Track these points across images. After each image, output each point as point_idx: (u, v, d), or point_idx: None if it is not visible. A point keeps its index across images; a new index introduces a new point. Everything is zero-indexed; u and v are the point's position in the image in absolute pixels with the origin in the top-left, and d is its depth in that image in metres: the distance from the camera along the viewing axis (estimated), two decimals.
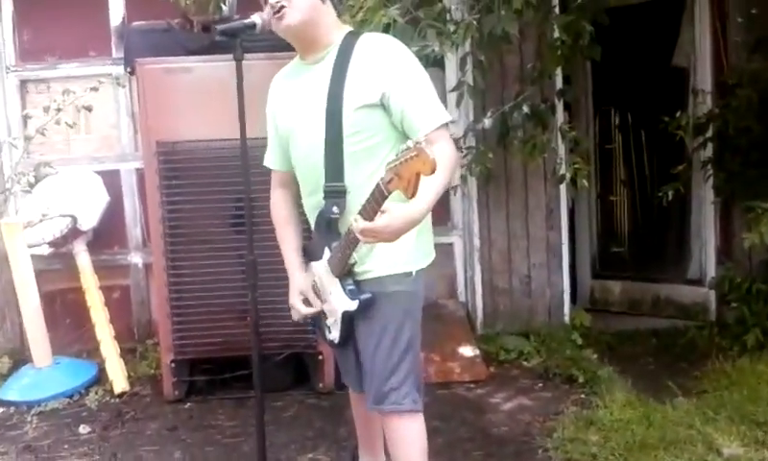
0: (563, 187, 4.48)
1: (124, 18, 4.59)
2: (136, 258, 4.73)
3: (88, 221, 4.38)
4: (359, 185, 2.18)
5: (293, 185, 2.47)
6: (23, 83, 4.65)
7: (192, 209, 3.76)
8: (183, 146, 3.75)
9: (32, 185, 4.23)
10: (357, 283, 2.26)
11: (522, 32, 4.23)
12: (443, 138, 2.18)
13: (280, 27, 2.21)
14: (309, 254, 2.41)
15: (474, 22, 3.30)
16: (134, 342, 4.64)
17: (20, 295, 4.14)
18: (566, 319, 4.64)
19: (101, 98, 4.51)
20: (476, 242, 4.59)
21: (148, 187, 3.82)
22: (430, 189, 2.05)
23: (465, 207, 4.65)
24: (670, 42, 4.96)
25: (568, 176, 4.04)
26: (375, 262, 2.24)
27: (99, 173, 4.58)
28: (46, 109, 3.93)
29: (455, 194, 4.45)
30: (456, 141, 4.12)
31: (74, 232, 4.35)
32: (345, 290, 2.25)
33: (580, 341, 4.36)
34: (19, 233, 4.08)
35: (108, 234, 4.64)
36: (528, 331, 4.51)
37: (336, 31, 2.29)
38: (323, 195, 2.25)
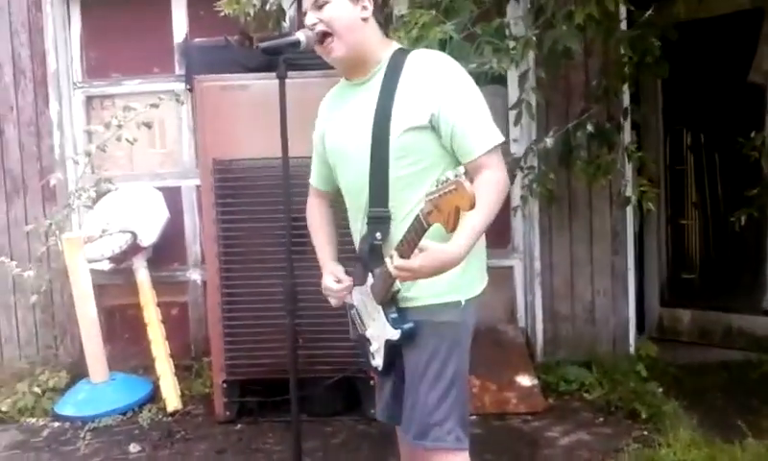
0: (629, 210, 4.29)
1: (186, 35, 4.63)
2: (195, 275, 4.74)
3: (148, 237, 4.41)
4: (404, 212, 2.10)
5: (331, 199, 2.43)
6: (89, 99, 4.75)
7: (247, 228, 3.74)
8: (240, 164, 3.74)
9: (93, 201, 4.27)
10: (401, 311, 2.16)
11: (587, 48, 4.10)
12: (493, 163, 2.09)
13: (328, 58, 2.15)
14: (353, 279, 2.33)
15: (534, 38, 3.18)
16: (191, 359, 4.63)
17: (79, 310, 4.19)
18: (631, 349, 4.43)
19: (163, 115, 4.58)
20: (537, 266, 4.44)
21: (204, 205, 3.82)
22: (470, 229, 1.96)
23: (525, 230, 4.50)
24: (746, 58, 4.72)
25: (634, 198, 3.86)
26: (421, 289, 2.13)
27: (160, 189, 4.62)
28: (107, 126, 3.97)
29: (515, 215, 4.31)
30: (516, 161, 4.02)
31: (134, 248, 4.38)
32: (387, 318, 2.16)
33: (645, 373, 4.15)
34: (80, 248, 4.13)
35: (168, 251, 4.67)
36: (590, 361, 4.31)
37: (383, 49, 2.20)
38: (366, 220, 2.17)
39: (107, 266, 4.43)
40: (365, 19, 2.18)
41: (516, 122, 3.75)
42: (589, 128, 3.94)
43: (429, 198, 1.81)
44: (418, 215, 1.89)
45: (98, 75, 4.74)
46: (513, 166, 3.78)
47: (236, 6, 3.96)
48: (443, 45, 3.06)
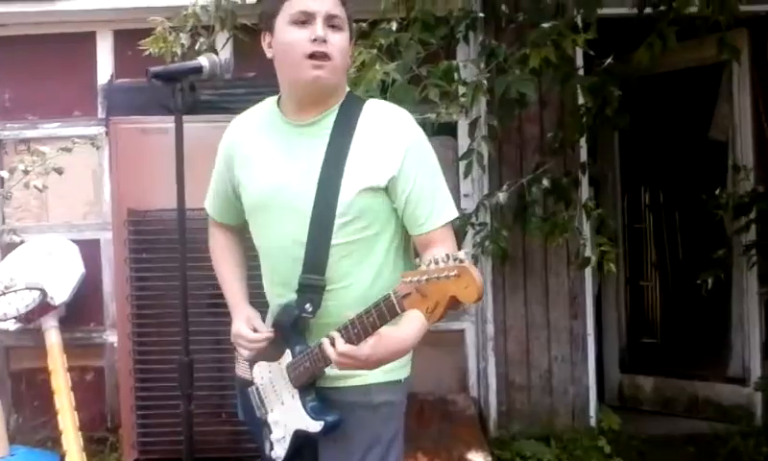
0: (588, 271, 4.00)
1: (112, 76, 4.27)
2: (113, 337, 4.27)
3: (60, 294, 3.96)
4: (341, 283, 1.81)
5: (239, 230, 2.09)
6: (1, 143, 4.32)
7: (164, 287, 3.33)
8: (157, 215, 3.35)
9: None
10: (322, 393, 1.82)
11: (542, 97, 3.85)
12: (446, 238, 1.85)
13: (312, 74, 1.80)
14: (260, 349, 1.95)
15: (485, 82, 2.89)
16: (106, 431, 4.17)
17: None
18: (593, 421, 4.10)
19: (81, 161, 4.18)
20: (490, 330, 4.09)
21: (116, 260, 3.42)
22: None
23: None
24: (706, 114, 4.53)
25: (594, 259, 3.57)
26: None
27: (77, 242, 4.19)
28: (11, 171, 3.56)
29: None
30: (467, 217, 3.71)
31: (43, 307, 3.93)
32: (305, 406, 1.81)
33: (608, 448, 3.83)
34: None
35: (83, 310, 4.22)
36: (549, 435, 4.00)
37: (342, 90, 1.91)
38: (296, 288, 1.84)
39: (12, 326, 3.97)
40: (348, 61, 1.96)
41: (467, 174, 3.44)
42: (545, 183, 3.66)
43: (411, 279, 1.53)
44: (387, 297, 1.61)
45: (12, 117, 4.32)
46: (463, 223, 3.47)
47: (162, 45, 3.65)
48: (383, 88, 2.75)
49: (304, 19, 1.79)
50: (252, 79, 3.96)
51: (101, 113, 4.25)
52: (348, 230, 1.81)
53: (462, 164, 3.48)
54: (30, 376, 4.27)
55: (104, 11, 4.12)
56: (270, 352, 1.89)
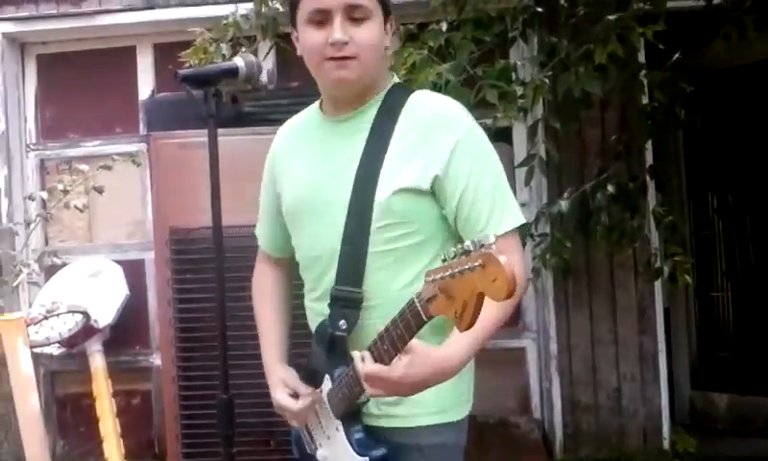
0: (657, 283, 3.72)
1: (153, 91, 4.15)
2: (159, 360, 4.14)
3: (104, 317, 3.84)
4: (381, 298, 1.57)
5: (288, 269, 1.87)
6: (43, 162, 4.24)
7: (208, 309, 3.14)
8: (200, 234, 3.17)
9: (45, 276, 3.73)
10: (370, 430, 1.60)
11: (603, 97, 3.60)
12: (512, 249, 1.56)
13: (335, 76, 1.60)
14: (306, 376, 1.75)
15: (547, 81, 2.66)
16: (153, 457, 4.05)
17: (18, 404, 3.58)
18: (666, 443, 3.81)
19: (125, 180, 4.07)
20: (553, 348, 3.84)
21: (158, 282, 3.26)
22: (484, 324, 1.39)
23: (539, 306, 3.91)
24: None
25: (666, 270, 3.29)
26: (401, 404, 1.57)
27: (121, 262, 4.08)
28: (50, 191, 3.44)
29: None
30: (526, 227, 3.48)
31: (87, 330, 3.81)
32: (350, 438, 1.59)
33: None
34: (19, 332, 3.54)
35: (128, 333, 4.11)
36: (619, 458, 3.74)
37: (383, 80, 1.68)
38: (329, 300, 1.62)
39: (56, 350, 3.87)
40: (386, 48, 1.69)
41: (527, 182, 3.20)
42: (610, 189, 3.40)
43: (434, 278, 1.28)
44: (411, 302, 1.35)
45: (54, 136, 4.25)
46: (522, 233, 3.22)
47: (203, 56, 3.51)
48: (435, 90, 2.54)
49: (321, 18, 1.57)
50: (297, 88, 3.79)
51: (142, 129, 4.15)
52: (386, 237, 1.57)
53: (520, 172, 3.25)
54: (75, 401, 4.17)
55: (143, 24, 4.02)
56: (315, 378, 1.69)
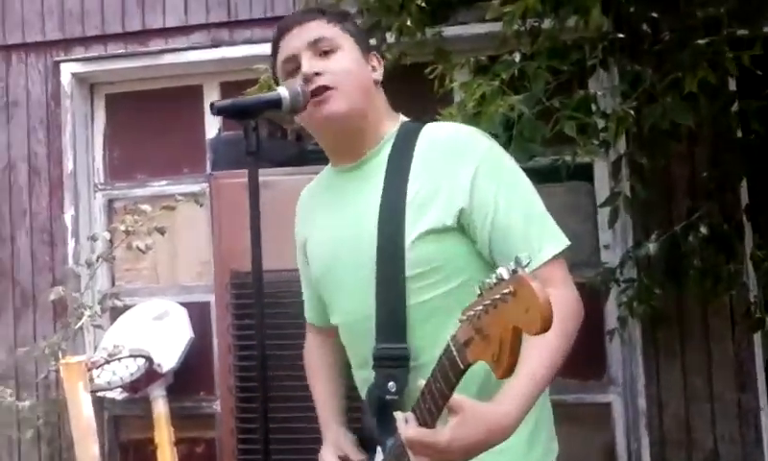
0: (757, 335, 3.37)
1: (219, 130, 4.07)
2: None
3: (167, 362, 3.75)
4: (432, 353, 1.35)
5: (334, 337, 1.71)
6: (110, 202, 4.21)
7: (270, 357, 2.98)
8: (263, 277, 3.03)
9: (110, 318, 3.67)
10: None
11: (692, 131, 3.32)
12: (557, 278, 1.39)
13: (320, 115, 1.51)
14: (361, 444, 1.60)
15: (632, 112, 2.42)
16: None
17: (78, 449, 3.51)
18: None
19: (192, 219, 4.01)
20: (642, 404, 3.50)
21: (218, 327, 3.14)
22: (529, 377, 1.27)
23: (625, 357, 3.59)
24: None
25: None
26: None
27: (187, 305, 3.99)
28: (112, 231, 3.38)
29: (611, 340, 3.44)
30: (611, 272, 3.20)
31: (150, 375, 3.72)
32: None
33: None
34: (80, 376, 3.47)
35: (193, 377, 3.99)
36: None
37: (389, 121, 1.58)
38: (372, 363, 1.48)
39: (119, 395, 3.79)
40: (376, 83, 1.59)
41: (612, 223, 2.93)
42: (703, 230, 3.10)
43: (468, 316, 1.11)
44: (447, 349, 1.19)
45: (121, 176, 4.22)
46: (606, 278, 2.97)
47: (267, 92, 3.41)
48: (507, 124, 2.34)
49: (293, 67, 1.54)
50: None
51: (209, 169, 4.07)
52: (421, 287, 1.44)
53: (602, 212, 2.99)
54: (139, 447, 4.08)
55: (209, 62, 3.96)
56: (368, 449, 1.52)
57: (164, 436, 3.73)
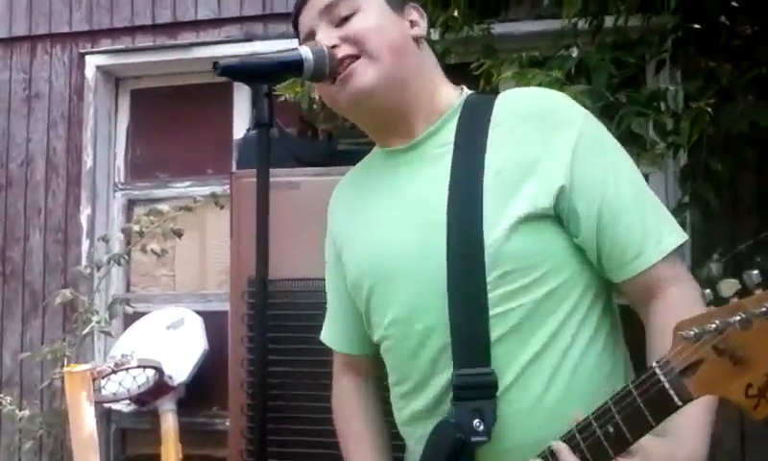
0: None
1: (249, 129, 3.84)
2: None
3: (179, 374, 3.50)
4: (512, 375, 1.12)
5: (373, 371, 1.41)
6: (130, 202, 3.99)
7: (288, 374, 2.72)
8: (283, 286, 2.74)
9: (108, 324, 3.43)
10: None
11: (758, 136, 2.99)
12: (682, 275, 1.16)
13: (345, 95, 1.24)
14: None
15: (709, 110, 2.11)
16: None
17: None
18: None
19: (214, 222, 3.77)
20: None
21: (232, 337, 2.85)
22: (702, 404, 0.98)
23: None
24: None
25: None
26: None
27: (205, 313, 3.74)
28: (125, 232, 3.14)
29: None
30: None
31: (160, 387, 3.46)
32: None
33: None
34: (83, 385, 3.22)
35: (206, 391, 3.73)
36: None
37: (446, 91, 1.29)
38: (450, 395, 1.15)
39: (126, 407, 3.54)
40: (417, 40, 1.28)
41: None
42: None
43: (698, 332, 0.87)
44: (649, 378, 0.92)
45: (143, 176, 4.00)
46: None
47: (299, 89, 3.19)
48: None
49: (314, 41, 1.29)
50: None
51: (234, 170, 3.84)
52: (505, 292, 1.14)
53: None
54: None
55: (241, 57, 3.72)
56: None
57: (171, 452, 3.46)
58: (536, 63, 2.59)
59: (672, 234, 1.16)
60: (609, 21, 2.54)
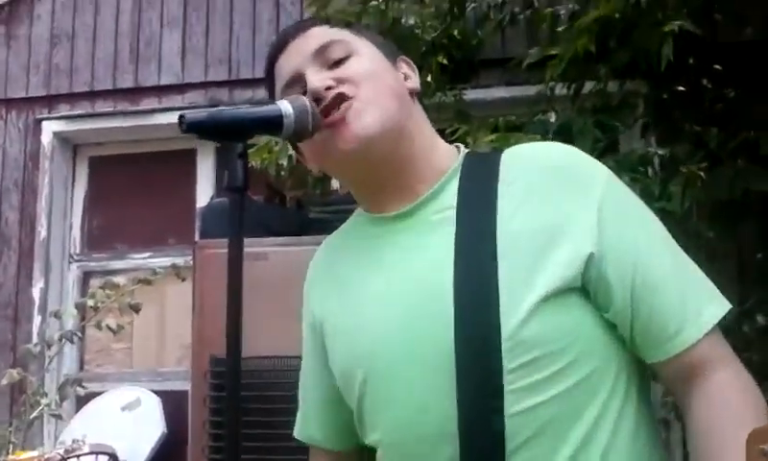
0: None
1: (213, 197, 3.68)
2: None
3: (134, 458, 3.25)
4: None
5: None
6: (86, 275, 3.79)
7: None
8: (249, 364, 2.54)
9: (58, 406, 3.18)
10: None
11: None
12: (726, 354, 0.98)
13: (340, 140, 1.05)
14: None
15: (702, 174, 2.02)
16: None
17: None
18: None
19: (174, 296, 3.58)
20: None
21: (192, 421, 2.64)
22: None
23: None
24: None
25: None
26: None
27: (163, 393, 3.52)
28: (78, 308, 2.94)
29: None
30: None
31: None
32: None
33: None
34: None
35: None
36: None
37: (443, 148, 1.13)
38: None
39: None
40: (412, 93, 1.12)
41: None
42: (760, 320, 2.66)
43: None
44: None
45: (100, 247, 3.81)
46: None
47: (266, 155, 3.07)
48: None
49: (300, 91, 1.09)
50: None
51: (197, 239, 3.67)
52: (530, 384, 0.96)
53: None
54: None
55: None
56: None
57: None
58: (512, 128, 2.51)
59: (713, 303, 0.99)
60: (588, 85, 2.47)
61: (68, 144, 3.80)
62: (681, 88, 2.25)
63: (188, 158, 3.75)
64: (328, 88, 1.05)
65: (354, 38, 1.12)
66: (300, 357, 1.74)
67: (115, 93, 3.69)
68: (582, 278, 0.96)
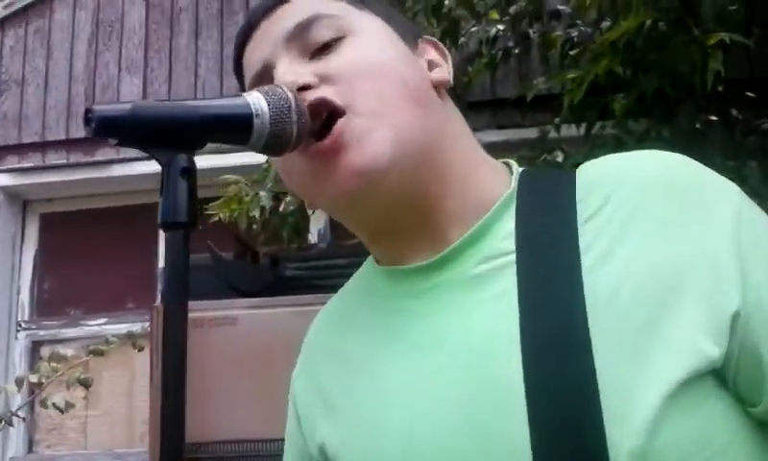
0: None
1: None
2: None
3: None
4: None
5: None
6: (35, 344, 3.44)
7: None
8: (215, 451, 2.21)
9: None
10: None
11: None
12: None
13: (343, 177, 0.72)
14: None
15: None
16: None
17: None
18: None
19: (132, 369, 3.24)
20: None
21: None
22: None
23: None
24: None
25: None
26: None
27: None
28: (19, 383, 2.56)
29: None
30: None
31: None
32: None
33: None
34: None
35: None
36: None
37: (486, 169, 0.79)
38: None
39: None
40: (438, 87, 0.77)
41: None
42: None
43: None
44: None
45: (52, 312, 3.48)
46: None
47: (236, 207, 2.80)
48: None
49: (261, 66, 0.78)
50: (356, 246, 2.95)
51: (158, 301, 3.33)
52: None
53: None
54: None
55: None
56: None
57: None
58: None
59: None
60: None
61: (17, 200, 3.52)
62: (713, 118, 1.97)
63: (149, 214, 3.40)
64: (304, 88, 0.72)
65: (352, 11, 0.78)
66: (276, 440, 1.40)
67: (68, 144, 3.40)
68: (725, 352, 0.63)
